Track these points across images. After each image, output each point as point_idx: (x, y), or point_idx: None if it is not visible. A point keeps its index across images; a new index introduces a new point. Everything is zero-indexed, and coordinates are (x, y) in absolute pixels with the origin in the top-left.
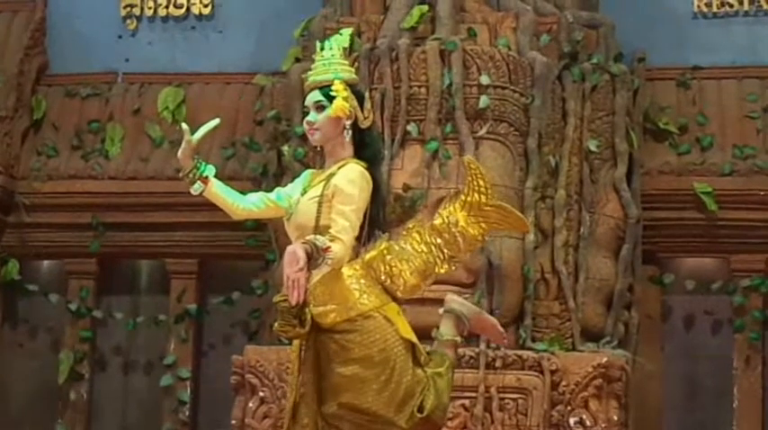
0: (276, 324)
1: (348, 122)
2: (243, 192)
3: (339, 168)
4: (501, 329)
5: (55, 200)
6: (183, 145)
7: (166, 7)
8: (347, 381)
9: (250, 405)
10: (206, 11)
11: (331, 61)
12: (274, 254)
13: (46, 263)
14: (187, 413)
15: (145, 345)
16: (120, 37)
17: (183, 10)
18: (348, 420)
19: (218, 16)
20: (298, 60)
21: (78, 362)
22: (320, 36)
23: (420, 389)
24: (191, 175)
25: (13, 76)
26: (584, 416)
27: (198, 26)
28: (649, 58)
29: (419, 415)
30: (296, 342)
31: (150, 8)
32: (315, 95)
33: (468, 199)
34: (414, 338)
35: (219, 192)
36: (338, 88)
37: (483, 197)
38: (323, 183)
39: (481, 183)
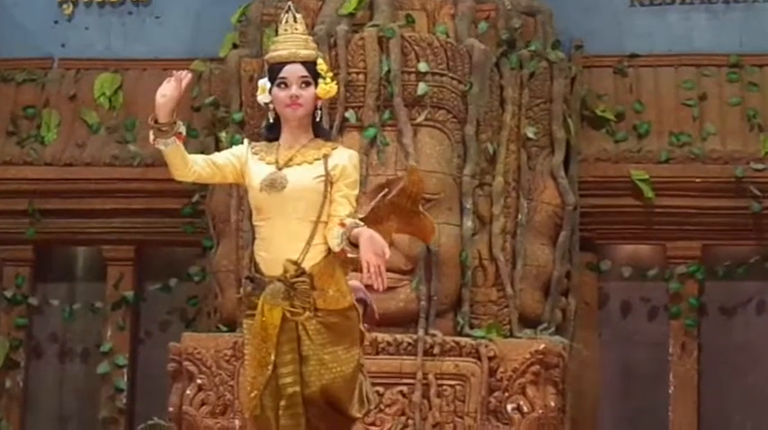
0: (285, 302)
1: (320, 103)
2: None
3: (332, 149)
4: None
5: None
6: (172, 92)
7: None
8: (326, 364)
9: (188, 392)
10: None
11: (307, 38)
12: (211, 241)
13: None
14: (124, 400)
15: (81, 333)
16: (56, 22)
17: None
18: (320, 406)
19: (156, 2)
20: (235, 46)
21: (14, 349)
22: (258, 22)
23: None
24: (166, 128)
25: None
26: (521, 403)
27: (135, 11)
28: (587, 46)
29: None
30: (274, 321)
31: None
32: (299, 69)
33: (397, 200)
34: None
35: (184, 151)
36: (324, 68)
37: (410, 204)
38: (319, 161)
39: (415, 190)
